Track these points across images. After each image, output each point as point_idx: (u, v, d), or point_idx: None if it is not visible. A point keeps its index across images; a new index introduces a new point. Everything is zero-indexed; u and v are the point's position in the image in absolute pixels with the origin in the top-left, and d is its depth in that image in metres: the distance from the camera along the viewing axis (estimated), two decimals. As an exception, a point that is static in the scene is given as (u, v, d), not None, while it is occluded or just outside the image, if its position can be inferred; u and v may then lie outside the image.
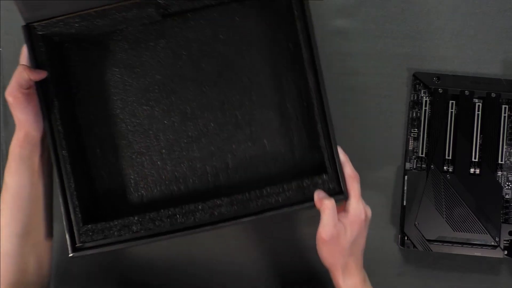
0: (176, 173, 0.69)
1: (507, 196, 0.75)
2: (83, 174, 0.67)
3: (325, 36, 0.78)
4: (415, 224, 0.73)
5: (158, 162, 0.69)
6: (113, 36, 0.69)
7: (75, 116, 0.69)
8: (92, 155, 0.69)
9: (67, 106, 0.67)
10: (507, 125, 0.75)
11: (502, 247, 0.73)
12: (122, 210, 0.69)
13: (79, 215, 0.63)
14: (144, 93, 0.69)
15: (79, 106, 0.69)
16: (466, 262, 0.75)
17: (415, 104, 0.76)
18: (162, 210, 0.63)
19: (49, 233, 0.68)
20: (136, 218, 0.63)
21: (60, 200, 0.64)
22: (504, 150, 0.75)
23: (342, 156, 0.63)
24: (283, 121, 0.69)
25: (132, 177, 0.69)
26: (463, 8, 0.77)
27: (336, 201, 0.61)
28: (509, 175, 0.75)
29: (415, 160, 0.76)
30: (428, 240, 0.73)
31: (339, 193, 0.63)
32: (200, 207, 0.63)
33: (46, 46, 0.65)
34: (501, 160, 0.75)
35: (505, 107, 0.75)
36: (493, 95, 0.75)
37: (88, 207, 0.66)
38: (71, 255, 0.63)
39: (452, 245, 0.73)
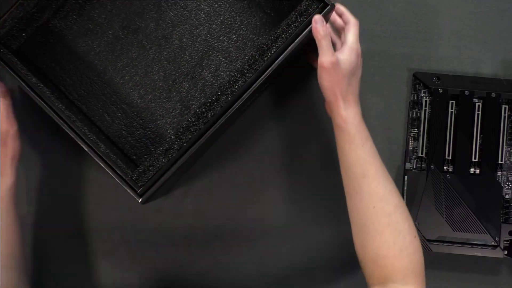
0: (178, 87, 0.72)
1: (507, 196, 0.75)
2: (100, 133, 0.69)
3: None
4: (415, 224, 0.73)
5: (159, 82, 0.71)
6: (58, 16, 0.71)
7: (65, 94, 0.71)
8: (96, 115, 0.72)
9: (57, 95, 0.68)
10: (507, 125, 0.75)
11: (502, 247, 0.73)
12: (143, 140, 0.71)
13: (123, 165, 0.64)
14: (114, 45, 0.72)
15: (67, 90, 0.72)
16: (466, 262, 0.75)
17: (415, 104, 0.76)
18: (187, 117, 0.64)
19: None
20: (171, 136, 0.63)
21: (101, 164, 0.64)
22: (504, 150, 0.75)
23: (342, 7, 0.67)
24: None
25: (135, 105, 0.72)
26: (462, 8, 0.77)
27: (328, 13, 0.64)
28: (509, 175, 0.75)
29: (415, 160, 0.76)
30: (428, 240, 0.73)
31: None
32: (219, 93, 0.63)
33: (18, 59, 0.66)
34: (501, 160, 0.75)
35: (505, 107, 0.75)
36: (493, 95, 0.75)
37: (120, 154, 0.67)
38: (141, 201, 0.64)
39: (452, 245, 0.73)
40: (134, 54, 0.72)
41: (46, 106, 0.65)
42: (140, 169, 0.64)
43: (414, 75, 0.76)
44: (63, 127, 0.65)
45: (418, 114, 0.76)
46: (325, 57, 0.62)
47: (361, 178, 0.62)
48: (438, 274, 0.76)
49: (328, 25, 0.64)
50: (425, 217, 0.73)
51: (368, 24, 0.77)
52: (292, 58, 0.67)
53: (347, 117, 0.63)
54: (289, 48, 0.64)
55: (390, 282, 0.60)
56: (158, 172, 0.64)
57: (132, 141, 0.71)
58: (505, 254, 0.73)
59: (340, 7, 0.67)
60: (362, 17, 0.77)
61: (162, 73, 0.72)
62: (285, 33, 0.63)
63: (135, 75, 0.72)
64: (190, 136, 0.63)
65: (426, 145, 0.75)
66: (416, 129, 0.76)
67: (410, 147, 0.76)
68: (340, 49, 0.64)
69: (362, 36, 0.77)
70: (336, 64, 0.62)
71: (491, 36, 0.77)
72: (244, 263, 0.77)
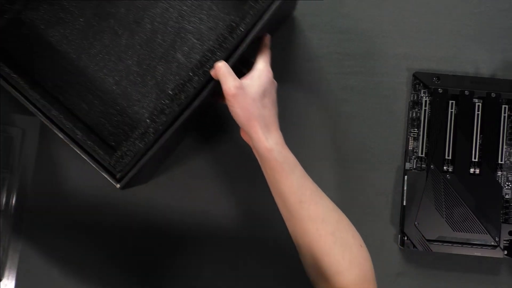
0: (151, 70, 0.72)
1: (507, 196, 0.75)
2: (78, 121, 0.69)
3: (324, 36, 0.78)
4: (415, 224, 0.73)
5: (133, 67, 0.72)
6: (29, 7, 0.72)
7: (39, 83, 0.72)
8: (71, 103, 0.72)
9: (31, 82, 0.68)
10: (507, 125, 0.75)
11: (502, 247, 0.73)
12: (121, 126, 0.71)
13: (100, 152, 0.64)
14: (87, 32, 0.72)
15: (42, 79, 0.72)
16: (466, 262, 0.75)
17: (415, 104, 0.76)
18: (161, 99, 0.63)
19: None
20: (146, 120, 0.63)
21: (78, 151, 0.64)
22: (504, 150, 0.75)
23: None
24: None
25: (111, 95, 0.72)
26: (461, 8, 0.77)
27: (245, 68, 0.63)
28: (509, 175, 0.75)
29: (415, 160, 0.76)
30: (428, 240, 0.73)
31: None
32: (191, 74, 0.62)
33: None
34: (501, 160, 0.75)
35: (505, 107, 0.75)
36: (493, 95, 0.75)
37: (98, 141, 0.67)
38: (119, 186, 0.63)
39: (452, 245, 0.73)
40: (106, 40, 0.72)
41: (21, 96, 0.65)
42: (118, 154, 0.63)
43: (414, 75, 0.76)
44: (39, 117, 0.64)
45: (418, 114, 0.76)
46: (227, 84, 0.59)
47: (298, 204, 0.60)
48: (438, 274, 0.76)
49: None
50: (425, 217, 0.73)
51: (368, 24, 0.77)
52: (263, 31, 0.66)
53: (271, 146, 0.60)
54: (258, 24, 0.62)
55: None
56: (136, 157, 0.63)
57: (110, 128, 0.71)
58: (505, 254, 0.73)
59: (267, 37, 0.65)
60: (361, 16, 0.78)
61: (136, 58, 0.72)
62: (252, 9, 0.62)
63: (109, 62, 0.72)
64: (165, 119, 0.62)
65: (426, 145, 0.75)
66: (416, 129, 0.76)
67: (410, 147, 0.76)
68: (247, 75, 0.62)
69: (361, 35, 0.77)
70: (240, 88, 0.59)
71: (490, 36, 0.77)
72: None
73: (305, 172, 0.62)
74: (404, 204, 0.74)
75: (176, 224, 0.77)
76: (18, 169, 0.78)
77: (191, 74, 0.62)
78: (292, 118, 0.77)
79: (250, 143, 0.64)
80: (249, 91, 0.60)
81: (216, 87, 0.62)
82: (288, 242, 0.64)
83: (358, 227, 0.76)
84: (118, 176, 0.63)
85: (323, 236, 0.60)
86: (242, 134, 0.66)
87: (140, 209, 0.77)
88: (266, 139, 0.60)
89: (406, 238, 0.74)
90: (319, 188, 0.62)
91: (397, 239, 0.75)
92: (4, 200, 0.77)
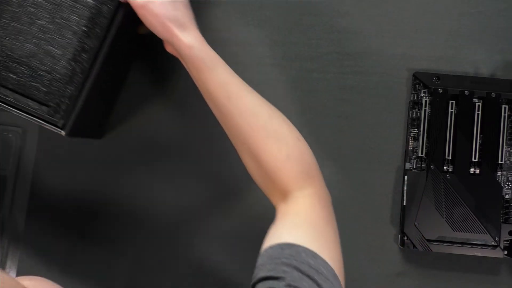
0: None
1: (507, 196, 0.75)
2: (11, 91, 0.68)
3: (323, 36, 0.78)
4: (415, 224, 0.73)
5: (48, 26, 0.70)
6: None
7: None
8: None
9: None
10: (507, 125, 0.75)
11: (502, 247, 0.73)
12: (54, 84, 0.69)
13: (35, 106, 0.64)
14: None
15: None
16: (466, 262, 0.75)
17: (415, 104, 0.76)
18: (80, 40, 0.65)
19: None
20: (70, 62, 0.65)
21: (16, 113, 0.64)
22: (504, 150, 0.75)
23: None
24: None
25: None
26: (459, 8, 0.77)
27: None
28: (509, 175, 0.75)
29: (415, 160, 0.76)
30: (428, 240, 0.73)
31: None
32: (98, 5, 0.64)
33: None
34: (501, 160, 0.75)
35: (505, 107, 0.75)
36: (493, 95, 0.75)
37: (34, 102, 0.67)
38: (64, 133, 0.64)
39: (452, 245, 0.73)
40: (13, 7, 0.70)
41: None
42: (53, 103, 0.64)
43: (414, 75, 0.76)
44: None
45: (418, 114, 0.76)
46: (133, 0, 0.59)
47: (226, 100, 0.59)
48: (438, 274, 0.76)
49: None
50: (425, 217, 0.73)
51: (367, 24, 0.77)
52: None
53: (190, 42, 0.60)
54: None
55: (289, 194, 0.58)
56: (72, 100, 0.64)
57: (44, 89, 0.70)
58: (505, 254, 0.73)
59: None
60: (361, 16, 0.78)
61: (47, 16, 0.71)
62: None
63: (22, 28, 0.70)
64: (87, 56, 0.64)
65: (426, 145, 0.75)
66: (416, 129, 0.76)
67: (410, 147, 0.76)
68: None
69: (360, 35, 0.77)
70: None
71: (491, 36, 0.77)
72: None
73: (230, 69, 0.61)
74: (404, 204, 0.74)
75: (178, 223, 0.77)
76: (18, 169, 0.78)
77: (99, 6, 0.64)
78: (292, 118, 0.77)
79: (176, 54, 0.63)
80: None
81: (128, 11, 0.63)
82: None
83: (358, 227, 0.76)
84: (60, 124, 0.64)
85: (255, 130, 0.59)
86: (167, 47, 0.64)
87: (141, 209, 0.77)
88: (185, 37, 0.60)
89: (406, 238, 0.74)
90: (246, 84, 0.61)
91: (397, 239, 0.75)
92: (4, 200, 0.77)
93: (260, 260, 0.54)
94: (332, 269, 0.53)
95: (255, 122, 0.59)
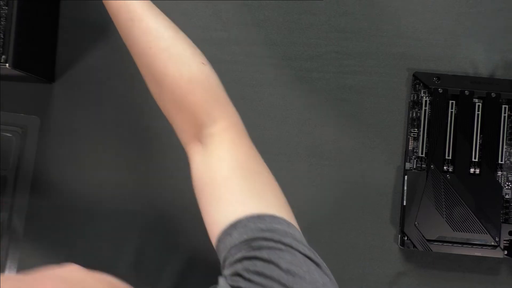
0: None
1: (507, 196, 0.75)
2: None
3: (323, 35, 0.78)
4: (415, 224, 0.73)
5: None
6: None
7: None
8: None
9: None
10: (507, 125, 0.75)
11: (502, 247, 0.73)
12: None
13: None
14: None
15: None
16: (466, 262, 0.75)
17: (415, 104, 0.76)
18: None
19: None
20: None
21: None
22: (504, 150, 0.75)
23: None
24: None
25: None
26: (459, 8, 0.77)
27: None
28: (509, 175, 0.75)
29: (415, 160, 0.76)
30: (428, 240, 0.73)
31: None
32: None
33: None
34: (501, 160, 0.74)
35: (505, 107, 0.75)
36: (493, 95, 0.75)
37: None
38: (8, 66, 0.68)
39: (452, 245, 0.73)
40: None
41: None
42: None
43: (414, 75, 0.76)
44: None
45: (418, 114, 0.76)
46: None
47: (129, 22, 0.57)
48: (438, 274, 0.76)
49: None
50: (425, 217, 0.73)
51: (367, 24, 0.77)
52: None
53: None
54: None
55: (202, 129, 0.55)
56: (6, 34, 0.68)
57: None
58: (505, 254, 0.73)
59: None
60: (360, 16, 0.78)
61: None
62: None
63: None
64: None
65: (426, 145, 0.75)
66: (416, 129, 0.76)
67: (410, 147, 0.76)
68: None
69: (359, 35, 0.77)
70: None
71: (489, 36, 0.77)
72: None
73: None
74: (404, 204, 0.74)
75: (178, 223, 0.77)
76: (18, 169, 0.78)
77: None
78: (292, 117, 0.77)
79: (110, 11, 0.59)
80: None
81: None
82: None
83: (358, 227, 0.76)
84: (1, 59, 0.68)
85: (158, 53, 0.56)
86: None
87: (141, 208, 0.77)
88: None
89: (406, 238, 0.74)
90: (154, 7, 0.58)
91: (397, 239, 0.75)
92: (4, 200, 0.77)
93: (221, 253, 0.51)
94: (283, 219, 0.51)
95: (156, 45, 0.56)
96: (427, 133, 0.76)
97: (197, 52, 0.58)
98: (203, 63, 0.57)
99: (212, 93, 0.56)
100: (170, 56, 0.56)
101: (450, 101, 0.75)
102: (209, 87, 0.57)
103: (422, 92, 0.76)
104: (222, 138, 0.55)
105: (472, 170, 0.74)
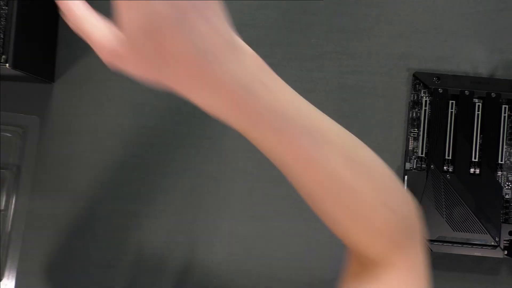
0: None
1: (507, 196, 0.75)
2: None
3: (323, 35, 0.78)
4: (415, 224, 0.73)
5: None
6: None
7: None
8: None
9: None
10: (507, 125, 0.75)
11: (502, 247, 0.73)
12: None
13: None
14: None
15: None
16: (466, 262, 0.75)
17: (415, 104, 0.76)
18: None
19: None
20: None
21: None
22: (504, 150, 0.75)
23: None
24: None
25: None
26: (458, 8, 0.77)
27: None
28: (509, 175, 0.75)
29: (415, 160, 0.76)
30: (428, 240, 0.73)
31: None
32: None
33: None
34: (501, 160, 0.74)
35: (505, 107, 0.75)
36: (493, 95, 0.75)
37: None
38: (8, 65, 0.68)
39: (452, 245, 0.73)
40: None
41: None
42: None
43: (414, 75, 0.76)
44: None
45: (418, 114, 0.76)
46: (94, 41, 0.35)
47: (303, 163, 0.40)
48: (438, 274, 0.76)
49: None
50: (425, 217, 0.73)
51: (367, 24, 0.77)
52: None
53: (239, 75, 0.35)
54: None
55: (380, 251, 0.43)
56: (6, 34, 0.68)
57: None
58: (505, 254, 0.73)
59: None
60: (361, 16, 0.78)
61: None
62: None
63: None
64: None
65: (426, 145, 0.75)
66: (416, 129, 0.76)
67: (410, 147, 0.76)
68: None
69: (359, 35, 0.77)
70: (118, 46, 0.34)
71: (489, 35, 0.77)
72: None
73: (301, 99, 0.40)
74: (404, 204, 0.74)
75: (178, 223, 0.77)
76: (18, 169, 0.78)
77: None
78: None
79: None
80: (134, 42, 0.33)
81: None
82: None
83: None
84: (1, 59, 0.68)
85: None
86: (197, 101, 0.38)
87: (141, 208, 0.77)
88: (236, 62, 0.35)
89: (406, 238, 0.73)
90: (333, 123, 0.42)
91: (397, 239, 0.75)
92: (4, 200, 0.77)
93: None
94: None
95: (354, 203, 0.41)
96: (427, 133, 0.76)
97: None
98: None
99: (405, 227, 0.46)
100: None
101: (450, 101, 0.75)
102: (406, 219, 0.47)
103: (422, 92, 0.76)
104: (398, 277, 0.45)
105: (472, 170, 0.74)
